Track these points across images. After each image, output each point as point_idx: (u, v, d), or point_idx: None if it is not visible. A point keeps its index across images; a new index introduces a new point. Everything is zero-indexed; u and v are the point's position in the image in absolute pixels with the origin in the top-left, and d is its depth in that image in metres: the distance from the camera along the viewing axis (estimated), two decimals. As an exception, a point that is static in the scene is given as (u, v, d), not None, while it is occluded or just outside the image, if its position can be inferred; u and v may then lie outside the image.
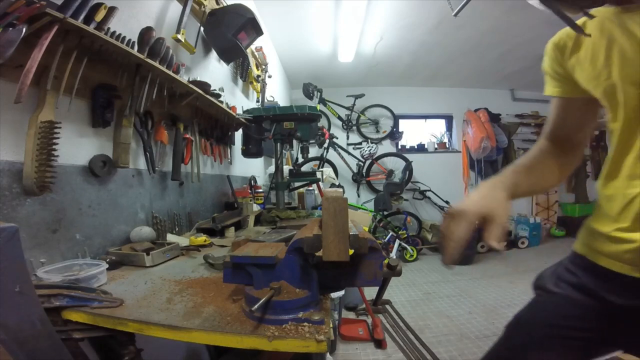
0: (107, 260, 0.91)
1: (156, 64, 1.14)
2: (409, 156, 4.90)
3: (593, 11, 0.56)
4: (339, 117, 5.27)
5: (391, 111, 5.35)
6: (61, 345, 0.60)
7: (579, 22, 0.58)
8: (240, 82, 2.61)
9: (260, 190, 2.32)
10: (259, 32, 2.02)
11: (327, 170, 3.96)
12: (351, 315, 2.53)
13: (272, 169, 2.43)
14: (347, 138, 5.38)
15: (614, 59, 0.55)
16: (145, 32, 1.15)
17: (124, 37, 1.03)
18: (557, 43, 0.67)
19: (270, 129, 1.98)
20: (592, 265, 0.61)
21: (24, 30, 0.72)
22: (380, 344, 2.10)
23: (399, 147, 5.58)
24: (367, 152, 4.79)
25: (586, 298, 0.61)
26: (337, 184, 3.71)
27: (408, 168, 4.76)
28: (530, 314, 0.70)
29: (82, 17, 0.86)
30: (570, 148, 0.73)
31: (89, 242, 1.02)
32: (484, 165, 5.08)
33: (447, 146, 5.64)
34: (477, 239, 4.15)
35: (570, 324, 0.62)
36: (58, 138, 0.87)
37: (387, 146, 5.45)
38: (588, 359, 0.63)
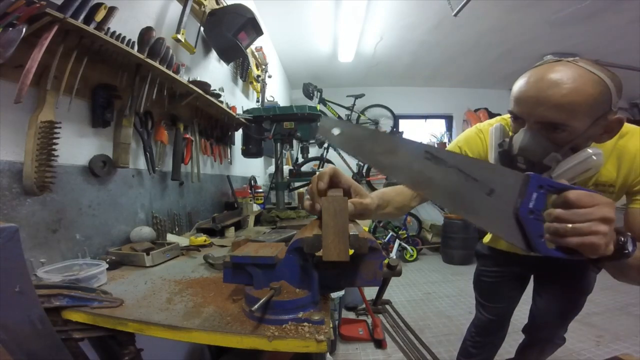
0: (107, 260, 0.91)
1: (156, 64, 1.14)
2: (409, 156, 4.89)
3: None
4: (339, 117, 5.27)
5: (391, 111, 5.35)
6: (61, 345, 0.60)
7: None
8: (240, 82, 2.61)
9: (260, 190, 2.32)
10: (259, 32, 2.01)
11: (327, 170, 3.95)
12: (351, 315, 2.53)
13: (272, 169, 2.43)
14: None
15: None
16: (145, 32, 1.15)
17: (124, 37, 1.03)
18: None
19: (270, 129, 1.98)
20: (495, 248, 1.24)
21: (24, 30, 0.72)
22: (380, 344, 2.10)
23: (399, 147, 5.57)
24: (367, 152, 4.78)
25: (505, 256, 1.20)
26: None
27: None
28: (482, 266, 1.30)
29: (82, 17, 0.86)
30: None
31: (89, 242, 1.02)
32: (484, 165, 5.07)
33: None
34: (478, 237, 4.15)
35: (505, 269, 1.23)
36: (58, 138, 0.87)
37: (387, 146, 5.44)
38: (521, 286, 1.26)
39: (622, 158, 0.75)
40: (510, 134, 0.76)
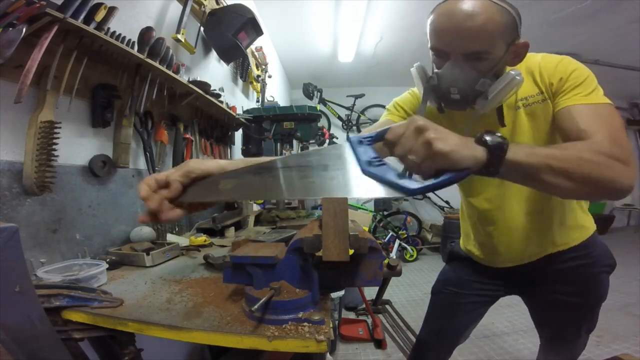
0: (107, 260, 0.91)
1: (156, 64, 1.15)
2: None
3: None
4: (339, 117, 5.27)
5: (391, 111, 5.35)
6: (61, 345, 0.60)
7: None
8: (240, 82, 2.61)
9: (260, 190, 2.31)
10: (259, 32, 2.02)
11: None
12: (351, 315, 2.53)
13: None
14: (347, 138, 5.38)
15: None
16: (145, 32, 1.15)
17: (124, 37, 1.04)
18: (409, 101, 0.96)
19: (270, 129, 1.98)
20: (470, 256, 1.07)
21: (24, 30, 0.72)
22: (380, 344, 2.10)
23: (399, 147, 5.58)
24: (367, 152, 4.79)
25: (476, 263, 1.05)
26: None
27: (408, 168, 4.76)
28: (452, 271, 1.18)
29: (82, 17, 0.86)
30: None
31: (89, 242, 1.02)
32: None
33: (447, 146, 5.63)
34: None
35: (476, 278, 1.05)
36: (58, 138, 0.87)
37: (387, 146, 5.44)
38: (490, 301, 1.10)
39: (532, 71, 0.81)
40: (432, 71, 0.79)
